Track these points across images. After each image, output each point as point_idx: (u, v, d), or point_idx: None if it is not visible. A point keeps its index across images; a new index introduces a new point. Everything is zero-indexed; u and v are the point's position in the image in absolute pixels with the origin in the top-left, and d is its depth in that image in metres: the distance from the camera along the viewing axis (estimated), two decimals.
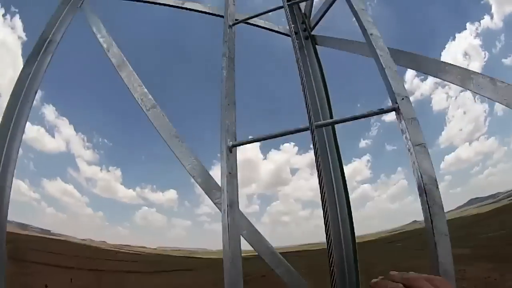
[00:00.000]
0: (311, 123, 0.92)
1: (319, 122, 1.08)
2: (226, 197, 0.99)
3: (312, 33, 2.68)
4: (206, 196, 1.23)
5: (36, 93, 1.73)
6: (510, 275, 14.69)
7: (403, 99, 0.96)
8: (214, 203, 1.26)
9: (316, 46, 2.59)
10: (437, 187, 0.81)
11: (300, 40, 2.57)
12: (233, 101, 1.19)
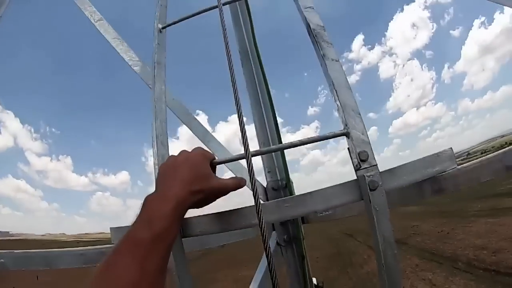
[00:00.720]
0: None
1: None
2: (155, 59, 1.06)
3: None
4: None
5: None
6: (460, 229, 15.90)
7: None
8: (148, 85, 1.45)
9: None
10: (325, 30, 0.88)
11: None
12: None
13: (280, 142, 1.51)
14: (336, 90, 0.77)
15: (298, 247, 1.32)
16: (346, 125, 0.72)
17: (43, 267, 1.04)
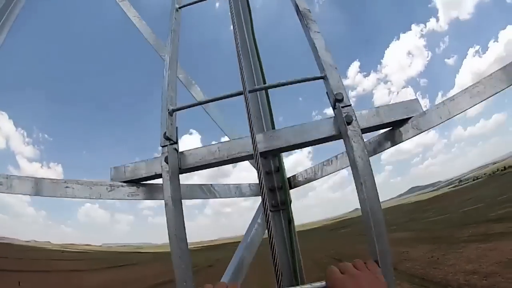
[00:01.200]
0: None
1: None
2: (172, 27, 1.19)
3: None
4: None
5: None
6: (451, 254, 15.70)
7: None
8: (160, 56, 1.74)
9: None
10: (310, 12, 0.99)
11: None
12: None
13: (268, 101, 1.77)
14: (317, 48, 0.91)
15: (285, 212, 1.41)
16: (324, 70, 0.85)
17: (34, 194, 1.15)
